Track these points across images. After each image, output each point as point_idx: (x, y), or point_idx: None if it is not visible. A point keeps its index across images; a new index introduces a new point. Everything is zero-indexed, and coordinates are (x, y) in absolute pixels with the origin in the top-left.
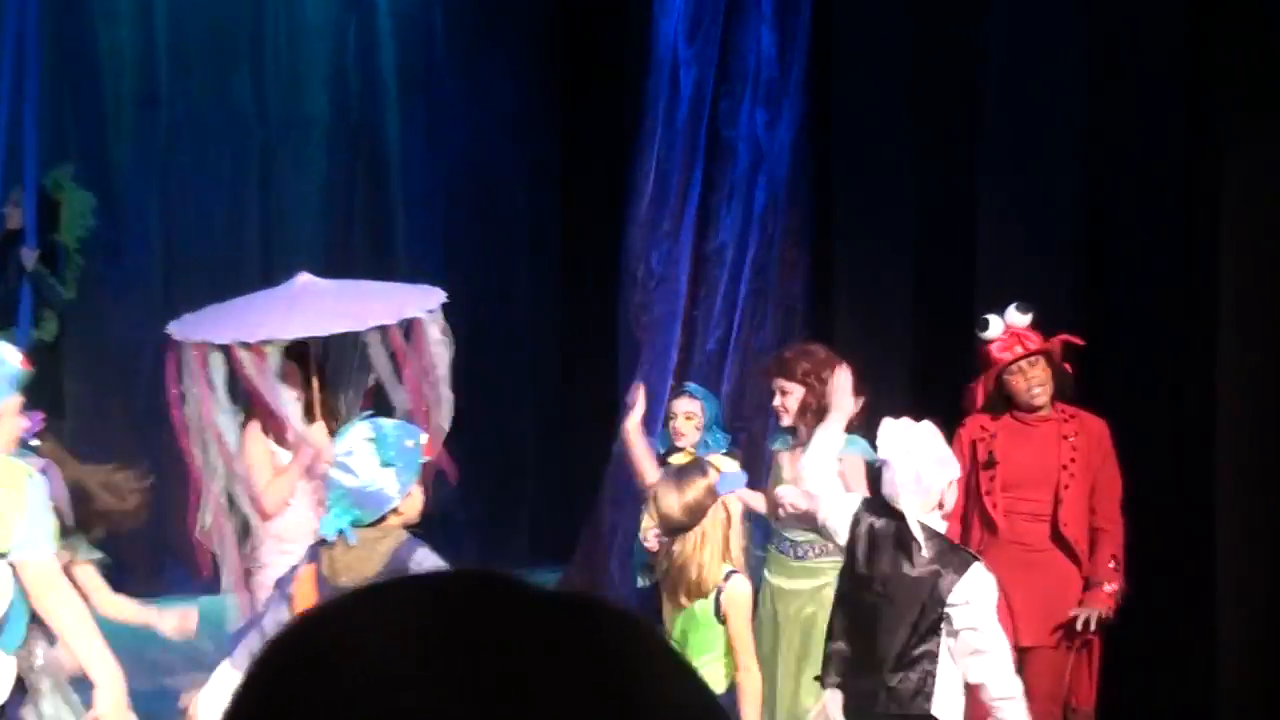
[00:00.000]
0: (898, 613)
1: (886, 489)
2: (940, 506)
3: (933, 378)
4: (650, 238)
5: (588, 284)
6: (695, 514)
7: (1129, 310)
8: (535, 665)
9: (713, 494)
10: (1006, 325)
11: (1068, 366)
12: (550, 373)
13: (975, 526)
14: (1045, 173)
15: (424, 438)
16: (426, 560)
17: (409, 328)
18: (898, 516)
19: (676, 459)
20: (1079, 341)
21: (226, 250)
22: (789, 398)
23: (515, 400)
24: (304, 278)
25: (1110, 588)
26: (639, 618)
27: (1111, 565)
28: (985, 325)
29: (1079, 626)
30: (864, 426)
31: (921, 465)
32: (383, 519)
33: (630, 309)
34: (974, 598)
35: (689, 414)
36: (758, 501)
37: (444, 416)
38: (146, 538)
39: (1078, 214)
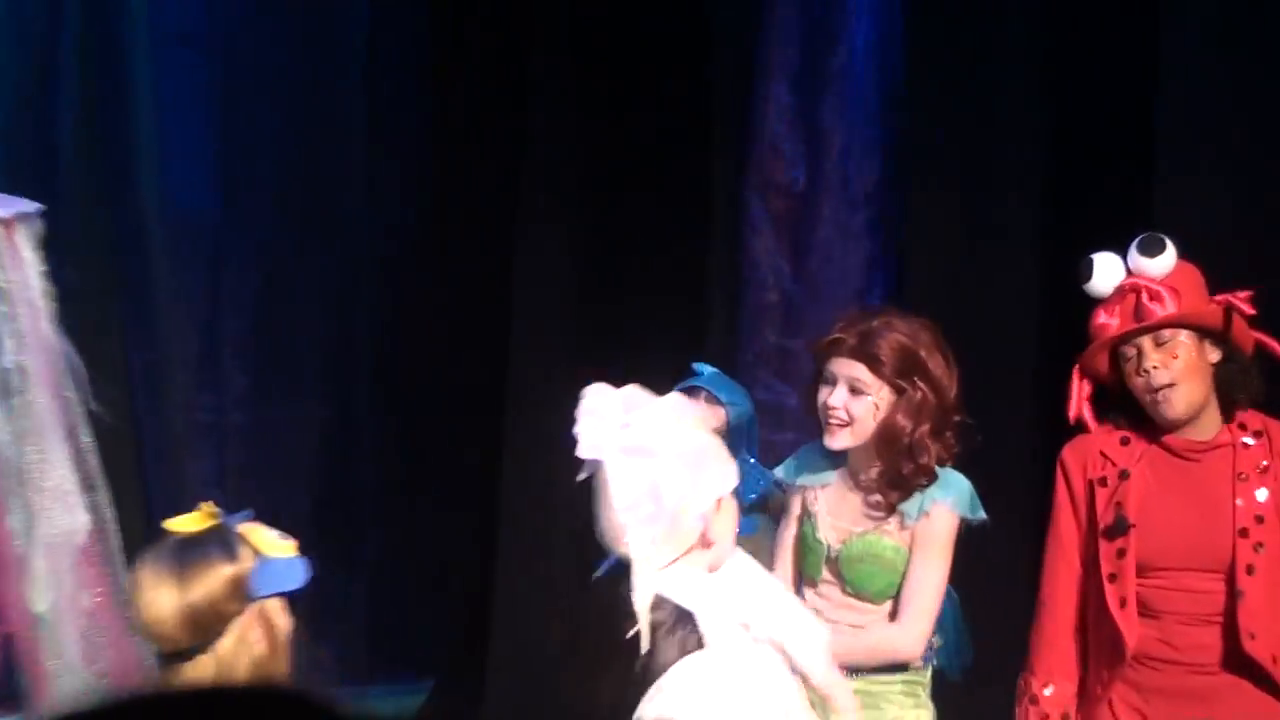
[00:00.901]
0: None
1: (602, 517)
2: (706, 544)
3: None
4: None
5: (478, 203)
6: (201, 629)
7: None
8: None
9: (239, 594)
10: (1130, 273)
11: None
12: (402, 358)
13: (1093, 638)
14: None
15: None
16: None
17: None
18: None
19: None
20: (1245, 306)
21: None
22: (859, 399)
23: (346, 407)
24: None
25: None
26: None
27: None
28: (1088, 270)
29: None
30: (962, 446)
31: (663, 468)
32: None
33: (782, 225)
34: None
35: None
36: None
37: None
38: None
39: None
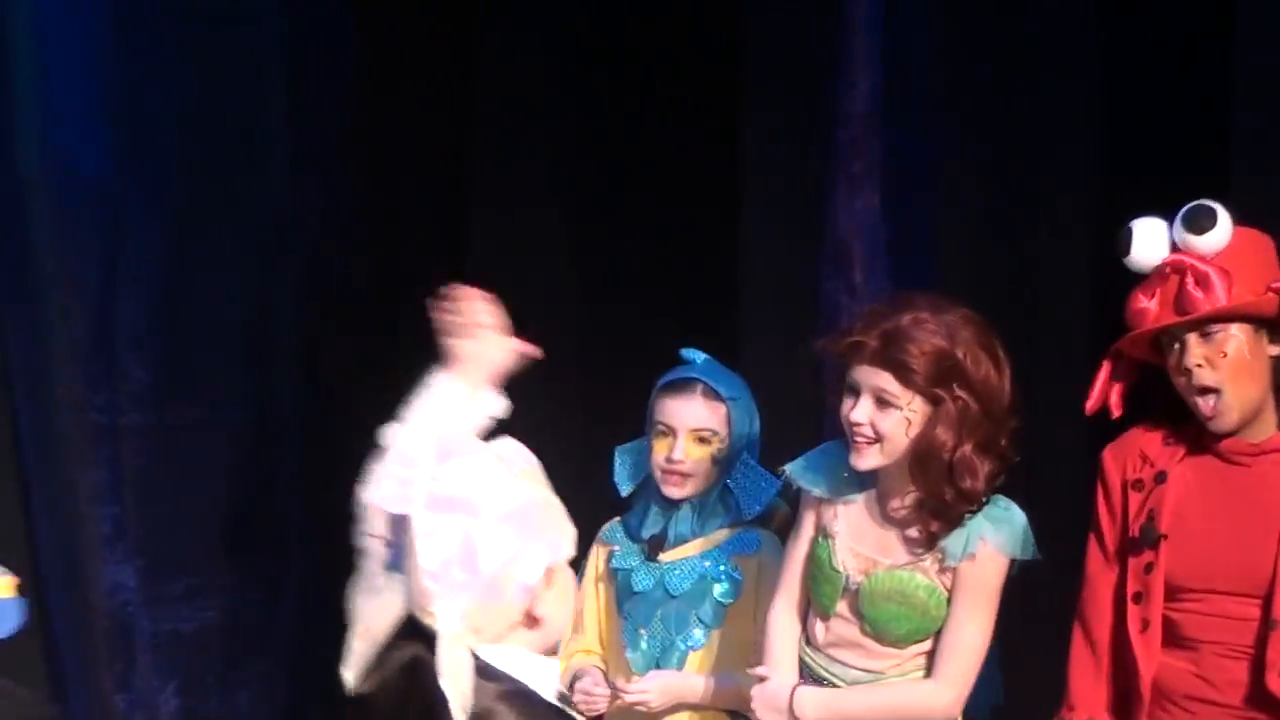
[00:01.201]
0: None
1: (408, 580)
2: (532, 623)
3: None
4: None
5: (426, 167)
6: None
7: None
8: None
9: None
10: (1176, 247)
11: None
12: (333, 349)
13: (1117, 668)
14: None
15: None
16: None
17: None
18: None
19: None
20: None
21: None
22: (887, 414)
23: (265, 407)
24: None
25: None
26: None
27: None
28: (1127, 240)
29: None
30: (1009, 466)
31: (481, 529)
32: None
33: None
34: None
35: (702, 431)
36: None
37: None
38: None
39: None
